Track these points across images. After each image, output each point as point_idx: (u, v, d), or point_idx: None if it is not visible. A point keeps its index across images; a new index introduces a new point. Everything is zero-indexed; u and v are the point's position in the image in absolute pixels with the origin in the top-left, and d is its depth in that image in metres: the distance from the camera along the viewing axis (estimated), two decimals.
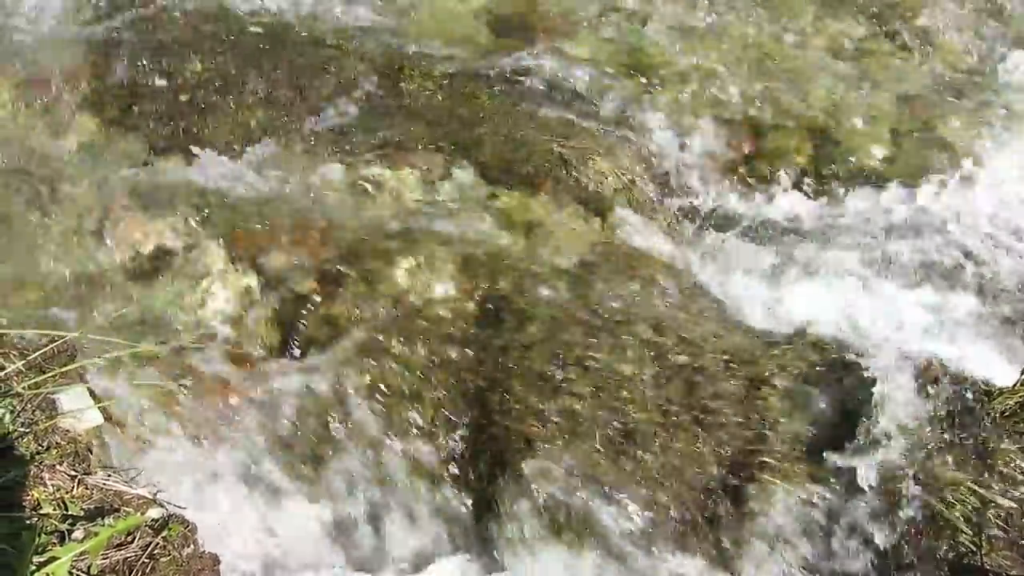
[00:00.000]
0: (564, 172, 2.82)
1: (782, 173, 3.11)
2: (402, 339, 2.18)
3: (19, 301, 2.10)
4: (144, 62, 3.22)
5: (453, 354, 2.17)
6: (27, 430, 1.39)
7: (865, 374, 2.24)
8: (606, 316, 2.26)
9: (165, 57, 3.23)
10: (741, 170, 3.08)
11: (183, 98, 3.07)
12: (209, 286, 2.37)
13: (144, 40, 3.31)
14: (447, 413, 2.07)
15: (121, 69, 3.21)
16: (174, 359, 2.07)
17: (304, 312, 2.27)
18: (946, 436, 2.12)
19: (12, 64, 3.22)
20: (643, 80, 3.38)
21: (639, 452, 1.97)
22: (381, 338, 2.17)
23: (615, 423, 2.02)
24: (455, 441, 2.03)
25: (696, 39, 3.66)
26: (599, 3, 3.81)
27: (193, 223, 2.59)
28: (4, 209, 2.46)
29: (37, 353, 1.59)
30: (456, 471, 2.02)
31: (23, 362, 1.56)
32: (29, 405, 1.49)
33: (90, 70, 3.23)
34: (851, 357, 2.29)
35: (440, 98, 3.07)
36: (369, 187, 2.73)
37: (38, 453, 1.37)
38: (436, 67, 3.23)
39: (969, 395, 2.18)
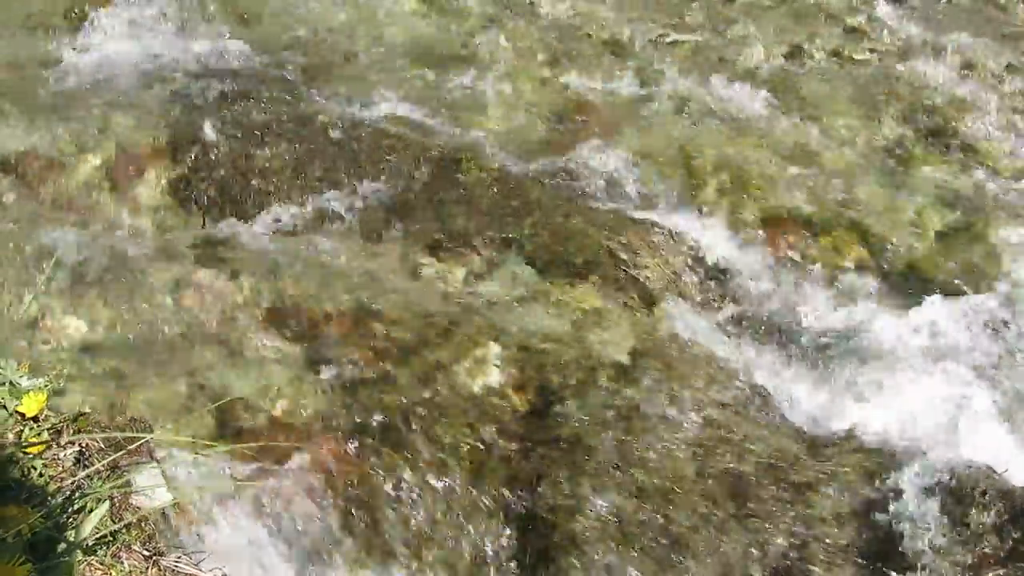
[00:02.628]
0: (613, 265, 2.90)
1: (829, 273, 3.16)
2: (451, 429, 2.23)
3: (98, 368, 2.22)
4: (217, 142, 3.42)
5: (501, 445, 2.22)
6: (105, 507, 1.47)
7: (915, 482, 2.23)
8: (654, 413, 2.30)
9: (238, 139, 3.42)
10: (788, 268, 3.13)
11: (252, 181, 3.24)
12: (260, 359, 2.46)
13: (219, 120, 3.53)
14: (495, 505, 2.11)
15: (196, 148, 3.42)
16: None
17: (354, 395, 2.35)
18: (998, 550, 2.10)
19: (104, 135, 3.45)
20: (690, 174, 3.49)
21: (683, 556, 1.98)
22: (431, 427, 2.23)
23: (661, 523, 2.04)
24: (502, 534, 2.06)
25: (743, 136, 3.78)
26: (648, 99, 3.97)
27: (248, 296, 2.71)
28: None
29: (116, 435, 1.68)
30: (502, 563, 2.05)
31: (103, 436, 1.65)
32: (107, 481, 1.57)
33: (170, 147, 3.43)
34: (901, 464, 2.28)
35: (495, 189, 3.20)
36: (423, 274, 2.84)
37: (116, 532, 1.44)
38: (492, 159, 3.37)
39: (1021, 508, 2.15)
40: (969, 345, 2.90)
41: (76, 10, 4.38)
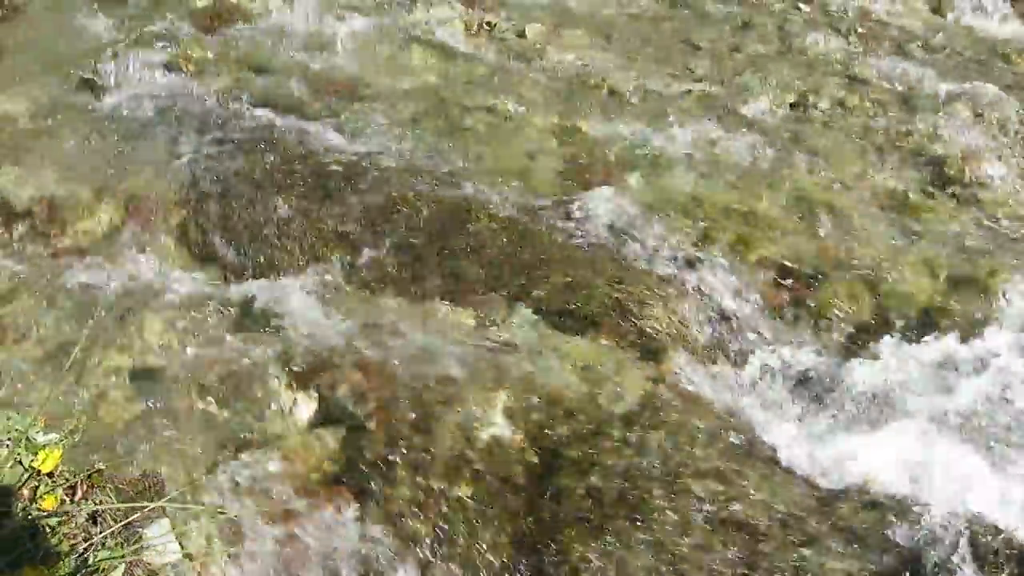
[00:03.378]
0: (621, 316, 2.92)
1: (836, 321, 3.17)
2: (457, 482, 2.25)
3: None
4: (232, 192, 3.49)
5: (508, 498, 2.22)
6: (119, 562, 1.49)
7: (923, 535, 2.22)
8: (661, 466, 2.30)
9: (252, 190, 3.49)
10: (795, 318, 3.15)
11: (266, 231, 3.30)
12: (274, 413, 2.50)
13: (234, 170, 3.60)
14: (501, 559, 2.11)
15: (211, 199, 3.48)
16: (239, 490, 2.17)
17: (362, 448, 2.37)
18: None
19: (120, 184, 3.53)
20: (697, 223, 3.52)
21: None
22: (438, 480, 2.24)
23: None
24: None
25: (749, 184, 3.81)
26: (655, 148, 4.03)
27: (262, 349, 2.75)
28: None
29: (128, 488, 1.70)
30: None
31: (117, 505, 1.67)
32: (119, 537, 1.59)
33: (185, 197, 3.50)
34: (909, 517, 2.27)
35: (504, 239, 3.24)
36: (433, 324, 2.87)
37: None
38: (500, 208, 3.42)
39: None
40: (980, 395, 2.89)
41: (94, 58, 4.50)
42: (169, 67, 4.49)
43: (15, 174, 3.59)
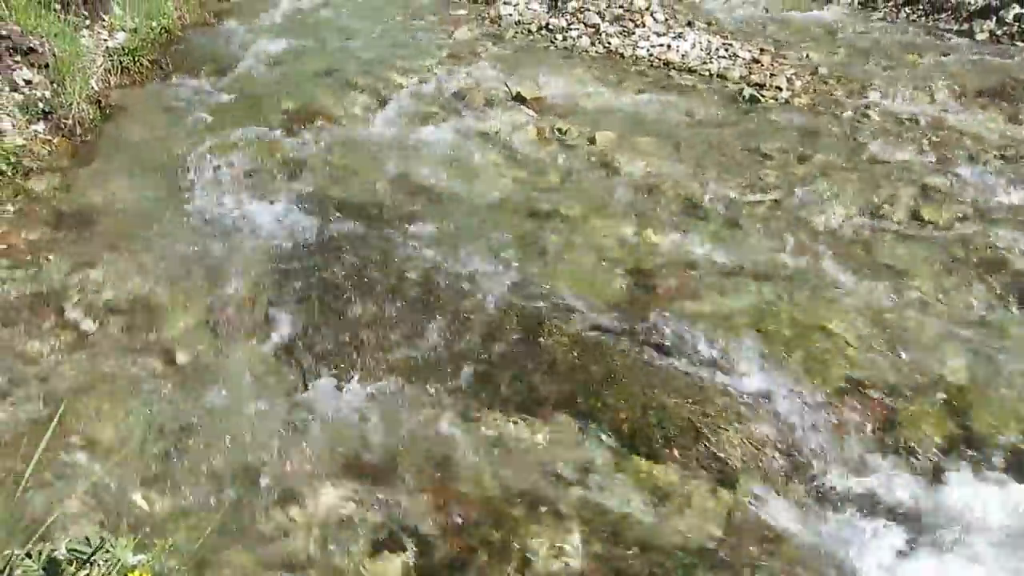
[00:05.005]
0: (695, 439, 2.89)
1: (917, 448, 3.06)
2: None
3: None
4: (311, 298, 3.61)
5: None
6: None
7: None
8: None
9: (331, 296, 3.61)
10: (873, 444, 3.06)
11: (342, 336, 3.40)
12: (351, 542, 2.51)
13: (313, 275, 3.74)
14: None
15: (291, 303, 3.61)
16: None
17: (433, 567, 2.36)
18: None
19: (205, 286, 3.69)
20: (770, 340, 3.48)
21: None
22: None
23: None
24: None
25: (824, 300, 3.77)
26: (726, 259, 4.03)
27: (333, 460, 2.79)
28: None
29: None
30: None
31: None
32: None
33: (266, 301, 3.64)
34: None
35: (576, 354, 3.26)
36: (504, 442, 2.88)
37: None
38: (572, 321, 3.46)
39: None
40: None
41: (186, 158, 4.79)
42: (255, 168, 4.74)
43: (109, 270, 3.79)
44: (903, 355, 3.46)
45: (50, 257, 3.81)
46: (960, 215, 4.53)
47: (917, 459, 3.05)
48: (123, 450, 2.59)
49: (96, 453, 2.77)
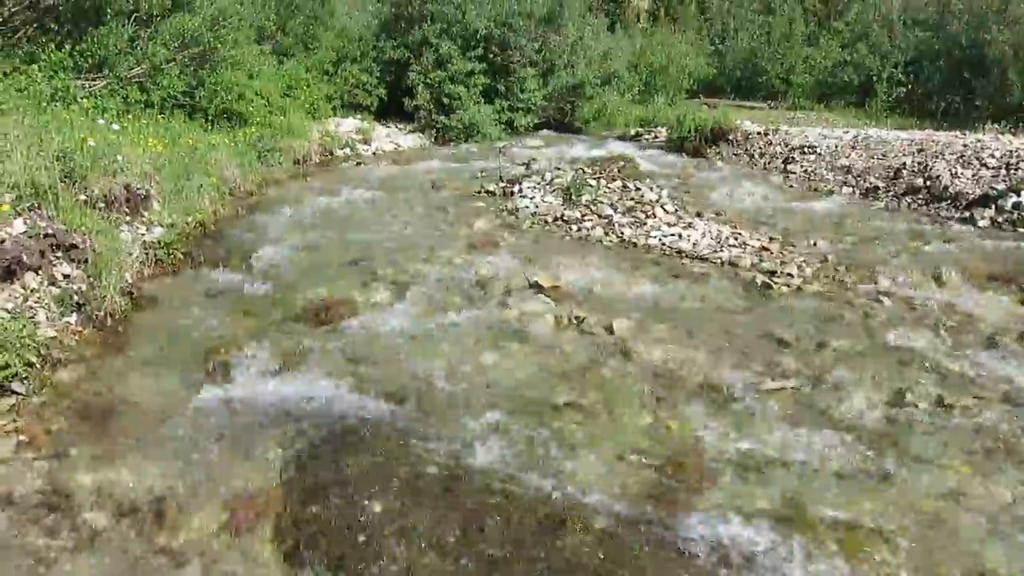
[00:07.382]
0: None
1: None
2: None
3: None
4: (329, 494, 3.53)
5: None
6: None
7: None
8: None
9: (349, 492, 3.54)
10: None
11: (360, 537, 3.29)
12: None
13: (332, 471, 3.69)
14: None
15: (309, 501, 3.53)
16: None
17: None
18: None
19: (224, 484, 3.62)
20: (799, 535, 3.34)
21: None
22: None
23: None
24: None
25: (851, 491, 3.65)
26: (749, 449, 3.95)
27: None
28: None
29: None
30: None
31: None
32: None
33: (284, 498, 3.55)
34: None
35: (601, 554, 3.14)
36: None
37: None
38: (595, 517, 3.35)
39: None
40: None
41: (212, 352, 4.87)
42: (278, 361, 4.80)
43: (127, 467, 3.76)
44: (936, 549, 3.30)
45: (71, 451, 3.80)
46: (985, 401, 4.48)
47: None
48: None
49: None
